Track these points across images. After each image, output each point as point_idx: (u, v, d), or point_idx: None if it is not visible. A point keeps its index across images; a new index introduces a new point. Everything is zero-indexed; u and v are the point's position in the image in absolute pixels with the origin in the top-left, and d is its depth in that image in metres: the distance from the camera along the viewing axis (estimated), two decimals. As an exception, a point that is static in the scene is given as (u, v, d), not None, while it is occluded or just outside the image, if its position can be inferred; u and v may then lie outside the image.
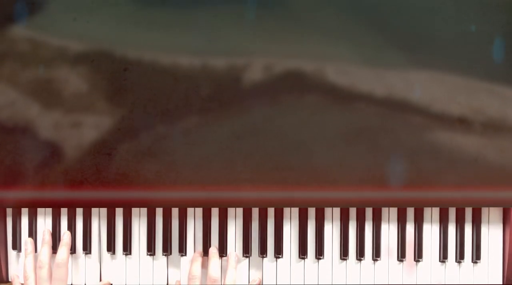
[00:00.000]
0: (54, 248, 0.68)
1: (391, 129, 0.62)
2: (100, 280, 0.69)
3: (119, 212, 0.68)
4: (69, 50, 0.62)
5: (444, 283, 0.67)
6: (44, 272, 0.64)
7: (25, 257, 0.66)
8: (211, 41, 0.62)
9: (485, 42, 0.60)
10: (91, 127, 0.63)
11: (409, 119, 0.62)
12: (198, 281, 0.64)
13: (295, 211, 0.68)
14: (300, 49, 0.59)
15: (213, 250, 0.66)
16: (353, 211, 0.67)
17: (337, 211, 0.67)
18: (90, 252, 0.69)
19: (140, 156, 0.63)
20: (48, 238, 0.67)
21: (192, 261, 0.66)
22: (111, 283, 0.69)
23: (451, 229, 0.67)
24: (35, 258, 0.67)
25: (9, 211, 0.69)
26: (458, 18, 0.60)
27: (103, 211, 0.68)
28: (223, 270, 0.67)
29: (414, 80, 0.60)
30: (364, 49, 0.59)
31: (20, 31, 0.62)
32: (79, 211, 0.68)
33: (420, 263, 0.67)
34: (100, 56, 0.63)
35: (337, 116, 0.61)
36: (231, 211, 0.68)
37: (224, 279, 0.65)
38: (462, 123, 0.62)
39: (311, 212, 0.68)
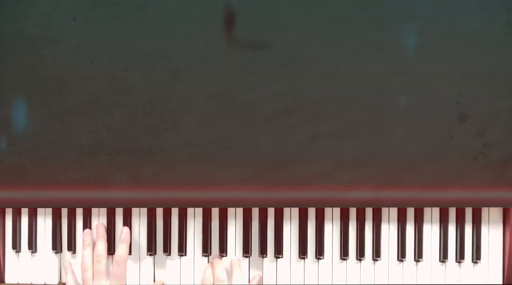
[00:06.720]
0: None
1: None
2: (100, 280, 0.69)
3: (119, 212, 0.68)
4: (68, 50, 0.63)
5: (444, 283, 0.67)
6: (102, 267, 0.64)
7: (83, 249, 0.66)
8: (210, 40, 0.62)
9: None
10: (92, 127, 0.63)
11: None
12: (226, 282, 0.64)
13: (295, 211, 0.68)
14: None
15: (235, 260, 0.67)
16: (353, 211, 0.67)
17: (337, 211, 0.67)
18: (90, 252, 0.68)
19: (140, 156, 0.63)
20: (102, 232, 0.66)
21: (214, 265, 0.66)
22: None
23: (451, 229, 0.67)
24: (93, 251, 0.66)
25: (9, 211, 0.69)
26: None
27: (103, 211, 0.68)
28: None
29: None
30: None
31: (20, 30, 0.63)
32: (79, 211, 0.68)
33: (420, 263, 0.67)
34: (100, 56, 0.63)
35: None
36: (231, 211, 0.68)
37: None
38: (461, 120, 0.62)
39: (311, 212, 0.68)
